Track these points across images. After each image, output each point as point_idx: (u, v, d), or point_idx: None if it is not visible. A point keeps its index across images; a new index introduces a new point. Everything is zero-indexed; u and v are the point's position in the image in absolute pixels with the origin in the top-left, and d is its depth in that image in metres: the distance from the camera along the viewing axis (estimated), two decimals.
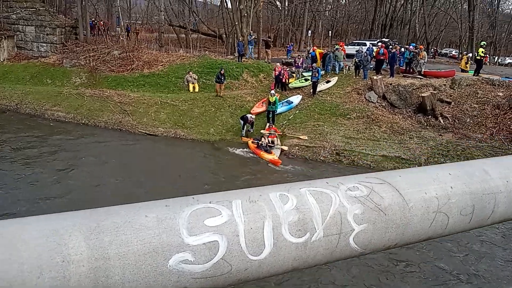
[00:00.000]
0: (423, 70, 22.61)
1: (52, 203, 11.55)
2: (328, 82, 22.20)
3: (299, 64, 23.49)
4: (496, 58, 41.56)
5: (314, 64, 22.35)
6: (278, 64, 23.29)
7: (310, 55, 24.87)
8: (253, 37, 28.14)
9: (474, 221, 1.06)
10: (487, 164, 1.13)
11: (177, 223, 0.79)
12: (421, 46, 25.14)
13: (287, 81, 22.33)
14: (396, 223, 0.95)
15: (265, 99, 20.63)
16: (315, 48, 25.15)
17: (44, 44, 28.22)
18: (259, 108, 20.02)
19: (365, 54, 22.33)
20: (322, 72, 22.36)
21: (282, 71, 21.98)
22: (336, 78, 22.47)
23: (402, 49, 24.14)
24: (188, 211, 0.81)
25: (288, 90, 22.19)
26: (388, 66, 22.58)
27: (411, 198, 0.99)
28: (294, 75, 23.54)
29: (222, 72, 21.64)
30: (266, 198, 0.88)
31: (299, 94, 21.36)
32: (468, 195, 1.04)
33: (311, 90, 21.14)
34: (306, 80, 22.42)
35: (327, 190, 0.93)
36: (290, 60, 29.45)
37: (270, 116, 18.85)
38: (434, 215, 1.00)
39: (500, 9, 53.27)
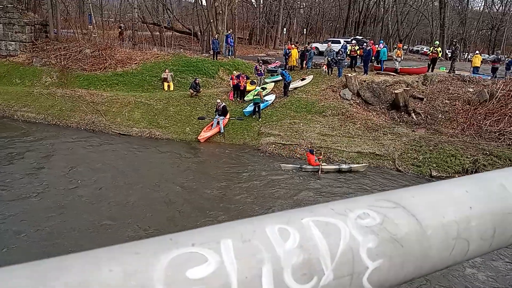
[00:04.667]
0: (398, 68, 22.91)
1: (13, 208, 11.22)
2: (303, 79, 22.27)
3: (261, 71, 22.29)
4: (466, 55, 42.59)
5: (279, 69, 22.06)
6: (235, 72, 21.99)
7: (286, 53, 24.78)
8: (230, 31, 27.21)
9: (494, 244, 0.97)
10: (504, 177, 1.03)
11: (151, 278, 0.61)
12: (400, 45, 25.56)
13: (245, 88, 21.32)
14: (414, 255, 0.82)
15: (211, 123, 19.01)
16: (291, 46, 24.89)
17: (12, 43, 27.33)
18: (207, 132, 18.72)
19: (341, 52, 22.49)
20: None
21: (240, 80, 20.93)
22: (312, 76, 22.55)
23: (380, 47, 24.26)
24: (165, 260, 0.63)
25: (243, 101, 21.07)
26: (362, 64, 22.85)
27: (429, 224, 0.86)
28: (256, 81, 22.41)
29: (197, 81, 21.38)
30: (262, 235, 0.72)
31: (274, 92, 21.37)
32: (488, 216, 0.94)
33: (283, 92, 21.18)
34: (263, 89, 21.43)
35: (334, 219, 0.78)
36: (267, 58, 29.49)
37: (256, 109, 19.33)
38: (454, 242, 0.88)
39: (470, 7, 54.65)
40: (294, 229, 0.76)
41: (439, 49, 23.11)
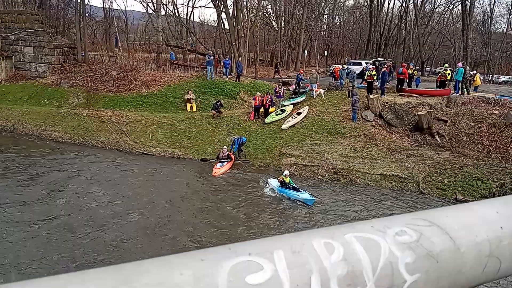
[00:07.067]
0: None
1: (42, 226, 11.44)
2: (299, 114, 21.30)
3: (280, 93, 22.58)
4: (490, 77, 42.03)
5: (233, 138, 19.63)
6: (259, 93, 22.15)
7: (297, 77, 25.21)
8: (211, 58, 25.86)
9: None
10: None
11: (216, 282, 0.69)
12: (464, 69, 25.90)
13: (269, 107, 21.77)
14: (448, 271, 0.89)
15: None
16: (301, 71, 25.76)
17: (42, 65, 28.39)
18: (220, 169, 17.19)
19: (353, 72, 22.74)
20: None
21: (264, 100, 21.35)
22: (307, 108, 21.66)
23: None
24: (227, 267, 0.71)
25: (264, 123, 21.29)
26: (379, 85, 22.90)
27: (462, 242, 0.93)
28: (275, 103, 22.55)
29: (218, 103, 21.83)
30: (310, 247, 0.80)
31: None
32: None
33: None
34: (282, 111, 21.77)
35: (375, 236, 0.86)
36: (287, 79, 29.80)
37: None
38: (486, 260, 0.94)
39: (493, 28, 54.12)
40: (338, 243, 0.83)
41: (448, 71, 23.04)
